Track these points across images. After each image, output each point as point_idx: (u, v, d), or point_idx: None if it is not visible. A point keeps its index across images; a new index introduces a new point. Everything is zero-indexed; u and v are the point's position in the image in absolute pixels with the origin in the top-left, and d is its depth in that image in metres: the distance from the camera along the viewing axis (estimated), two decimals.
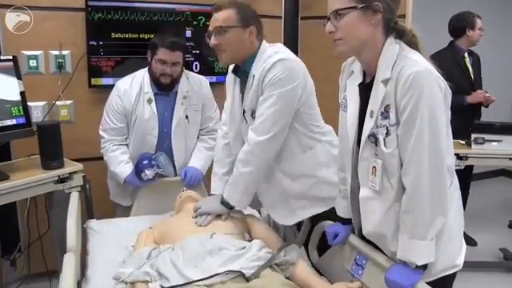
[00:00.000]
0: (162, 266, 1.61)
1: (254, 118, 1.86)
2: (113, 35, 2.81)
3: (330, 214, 1.85)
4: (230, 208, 1.92)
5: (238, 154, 1.91)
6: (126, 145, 2.47)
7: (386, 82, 1.36)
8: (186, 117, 2.49)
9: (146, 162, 2.32)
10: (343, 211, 1.71)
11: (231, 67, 2.03)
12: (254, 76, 1.85)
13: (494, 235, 3.88)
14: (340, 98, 1.62)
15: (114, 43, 2.82)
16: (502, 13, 5.23)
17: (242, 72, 1.93)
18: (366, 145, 1.44)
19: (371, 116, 1.41)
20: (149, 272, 1.61)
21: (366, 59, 1.45)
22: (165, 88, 2.41)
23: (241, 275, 1.54)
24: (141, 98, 2.40)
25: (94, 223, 2.20)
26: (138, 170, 2.32)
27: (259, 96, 1.83)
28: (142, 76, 2.43)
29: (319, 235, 1.91)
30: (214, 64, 3.14)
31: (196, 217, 1.92)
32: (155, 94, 2.42)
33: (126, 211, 2.49)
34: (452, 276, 1.50)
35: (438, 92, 1.31)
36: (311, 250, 1.94)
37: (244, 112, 1.91)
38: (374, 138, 1.41)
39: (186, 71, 2.55)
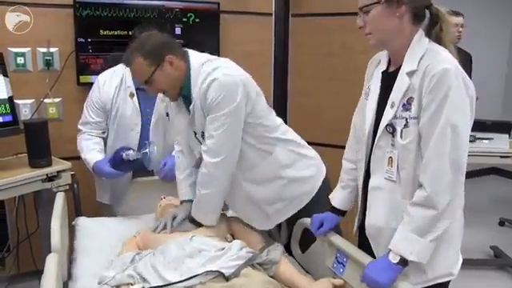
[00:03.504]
0: (143, 270, 1.60)
1: (204, 138, 1.83)
2: (101, 32, 2.78)
3: (308, 209, 1.89)
4: (200, 225, 1.91)
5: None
6: (103, 139, 2.41)
7: (411, 73, 1.36)
8: (167, 114, 2.39)
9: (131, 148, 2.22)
10: (339, 202, 1.71)
11: None
12: (195, 100, 1.81)
13: (485, 233, 3.90)
14: (364, 88, 1.61)
15: (102, 40, 2.79)
16: (492, 11, 5.25)
17: (184, 97, 1.89)
18: (382, 134, 1.44)
19: (392, 107, 1.41)
20: (132, 275, 1.60)
21: (394, 48, 1.45)
22: None
23: (220, 275, 1.53)
24: (121, 92, 2.36)
25: (82, 221, 2.18)
26: (121, 151, 2.17)
27: (206, 116, 1.79)
28: (122, 70, 2.38)
29: (301, 232, 1.91)
30: None
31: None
32: (137, 89, 2.37)
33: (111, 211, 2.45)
34: (446, 284, 1.50)
35: (463, 93, 1.30)
36: (294, 246, 1.93)
37: (195, 134, 1.89)
38: (391, 127, 1.41)
39: None
